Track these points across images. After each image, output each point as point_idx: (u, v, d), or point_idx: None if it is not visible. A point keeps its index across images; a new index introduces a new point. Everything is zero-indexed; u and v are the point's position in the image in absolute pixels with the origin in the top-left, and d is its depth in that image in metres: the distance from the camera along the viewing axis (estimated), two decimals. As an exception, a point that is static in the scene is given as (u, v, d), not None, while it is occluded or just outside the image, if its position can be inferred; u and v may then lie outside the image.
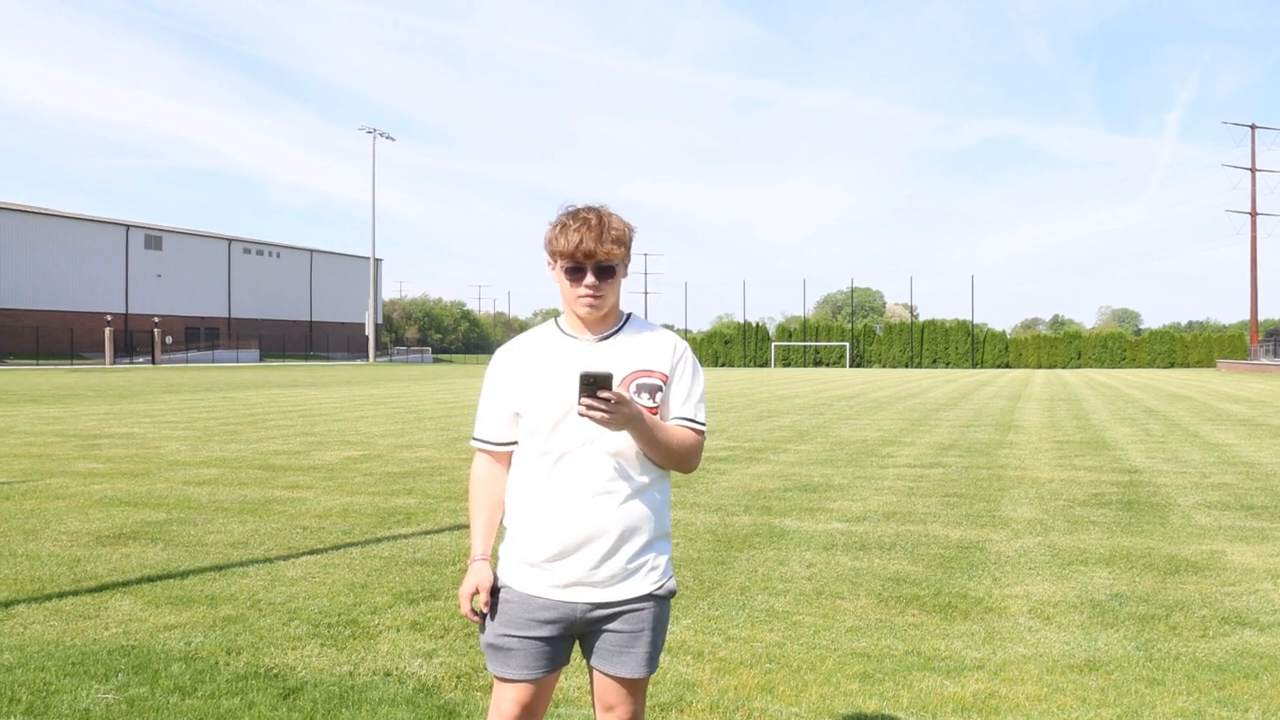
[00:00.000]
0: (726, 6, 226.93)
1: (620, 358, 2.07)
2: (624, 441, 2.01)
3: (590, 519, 2.00)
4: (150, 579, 5.06)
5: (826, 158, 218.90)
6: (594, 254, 2.01)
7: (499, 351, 2.18)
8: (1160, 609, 4.53)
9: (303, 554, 5.68)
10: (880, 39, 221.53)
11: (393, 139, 73.80)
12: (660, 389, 2.08)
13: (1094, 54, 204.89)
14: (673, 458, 2.06)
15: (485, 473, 2.18)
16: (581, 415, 1.89)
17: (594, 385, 1.85)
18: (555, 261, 2.06)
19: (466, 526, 2.04)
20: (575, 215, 2.04)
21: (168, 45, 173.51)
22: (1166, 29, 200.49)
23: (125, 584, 4.95)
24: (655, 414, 2.06)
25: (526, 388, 2.07)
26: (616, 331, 2.11)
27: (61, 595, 4.72)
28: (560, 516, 2.01)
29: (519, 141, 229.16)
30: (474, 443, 2.19)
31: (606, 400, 1.86)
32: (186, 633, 4.12)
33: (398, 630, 4.17)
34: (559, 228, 2.03)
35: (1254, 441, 12.46)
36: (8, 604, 4.56)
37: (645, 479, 2.05)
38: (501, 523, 2.17)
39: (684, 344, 2.15)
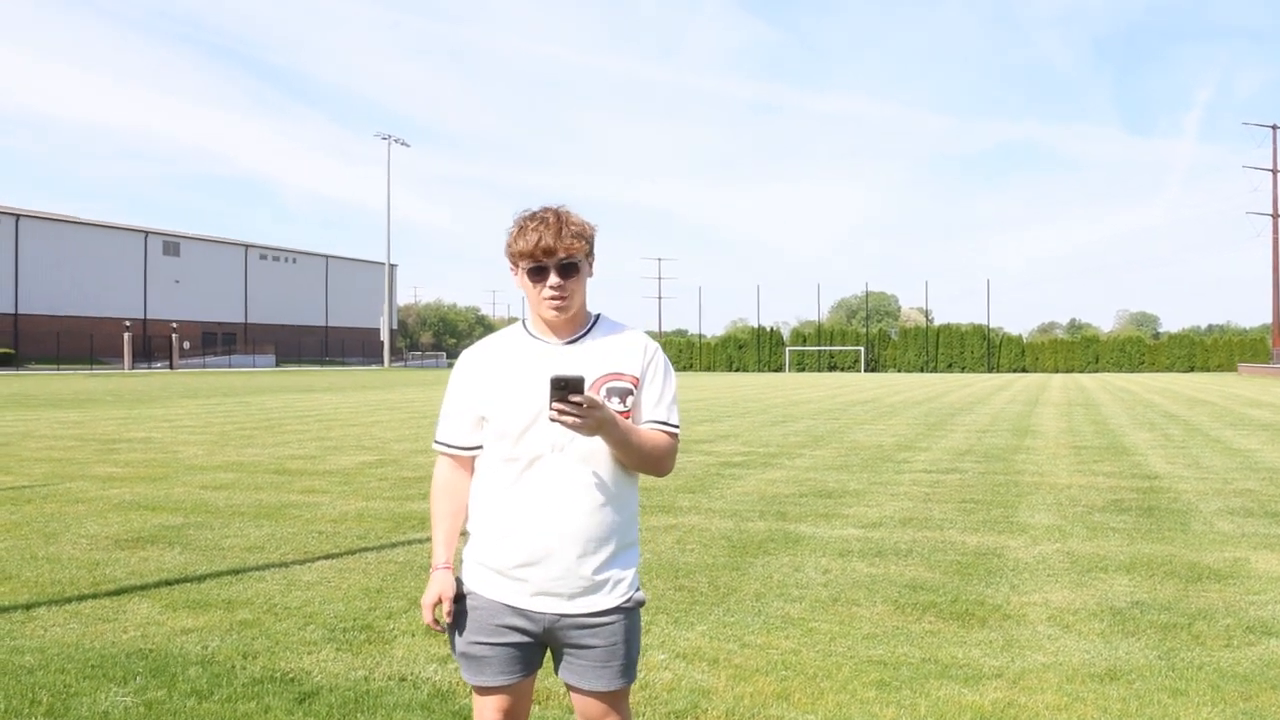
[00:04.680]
0: (739, 10, 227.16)
1: (590, 361, 2.02)
2: (595, 447, 1.96)
3: (558, 527, 1.96)
4: (168, 583, 5.09)
5: (840, 161, 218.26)
6: (554, 250, 1.96)
7: (464, 354, 2.13)
8: (1183, 617, 4.47)
9: (318, 558, 5.70)
10: (893, 41, 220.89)
11: (408, 145, 73.71)
12: (631, 392, 2.03)
13: (1111, 54, 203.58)
14: (646, 461, 2.01)
15: (448, 478, 2.16)
16: (553, 420, 1.84)
17: (565, 389, 1.81)
18: (517, 265, 2.01)
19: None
20: (533, 216, 2.00)
21: (182, 52, 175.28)
22: (1184, 28, 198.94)
23: (143, 587, 4.99)
24: (627, 417, 2.00)
25: (493, 392, 2.02)
26: (585, 334, 2.06)
27: (81, 598, 4.76)
28: (528, 524, 1.97)
29: (532, 146, 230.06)
30: (436, 446, 2.16)
31: (578, 404, 1.81)
32: (203, 636, 4.14)
33: (413, 635, 4.17)
34: (517, 230, 2.00)
35: (1277, 447, 12.30)
36: (29, 606, 4.60)
37: (615, 487, 2.00)
38: (465, 527, 2.14)
39: (655, 345, 2.11)
